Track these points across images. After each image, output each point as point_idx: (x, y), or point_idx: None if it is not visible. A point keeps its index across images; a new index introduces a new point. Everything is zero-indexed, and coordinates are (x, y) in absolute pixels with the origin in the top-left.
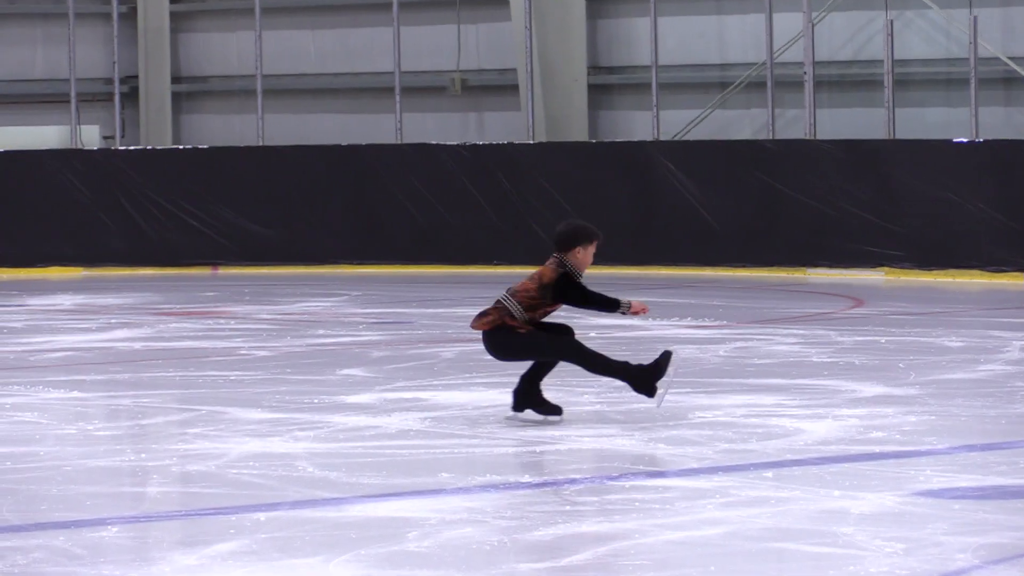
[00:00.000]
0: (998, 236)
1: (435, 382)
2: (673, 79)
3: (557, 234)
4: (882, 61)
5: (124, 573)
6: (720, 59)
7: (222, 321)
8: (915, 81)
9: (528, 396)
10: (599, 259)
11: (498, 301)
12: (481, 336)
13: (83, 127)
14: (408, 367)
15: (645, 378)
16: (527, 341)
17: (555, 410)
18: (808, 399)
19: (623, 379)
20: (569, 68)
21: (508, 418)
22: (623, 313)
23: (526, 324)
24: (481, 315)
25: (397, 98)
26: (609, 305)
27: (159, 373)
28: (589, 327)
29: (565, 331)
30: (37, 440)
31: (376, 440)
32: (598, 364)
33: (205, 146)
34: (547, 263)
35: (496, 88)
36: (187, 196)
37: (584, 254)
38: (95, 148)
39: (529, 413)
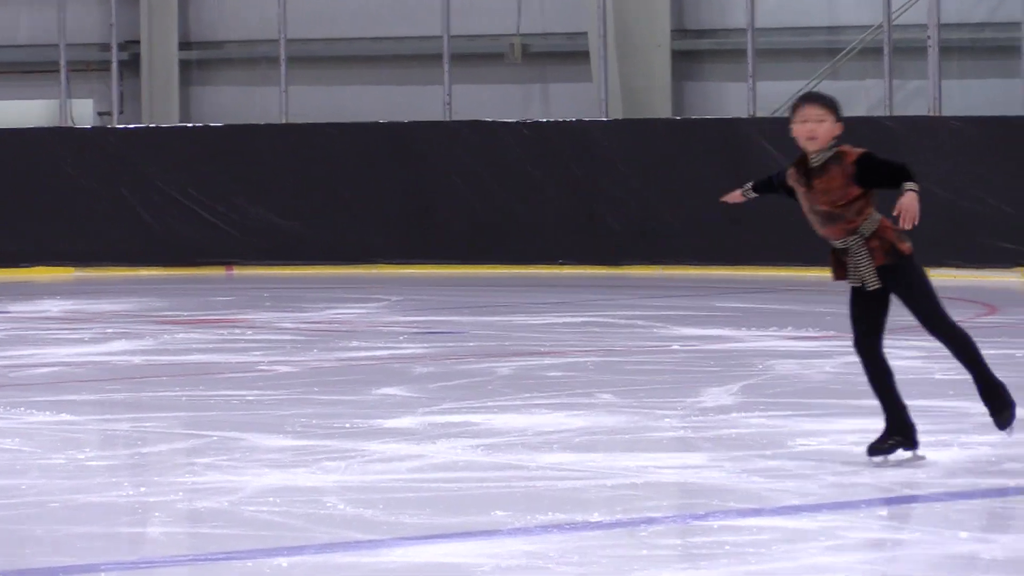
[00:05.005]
0: None
1: (489, 403)
2: (773, 44)
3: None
4: (1020, 23)
5: None
6: (829, 21)
7: (238, 331)
8: None
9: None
10: (683, 258)
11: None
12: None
13: (74, 101)
14: (457, 385)
15: None
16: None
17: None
18: (931, 424)
19: None
20: (650, 31)
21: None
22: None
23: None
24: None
25: (446, 67)
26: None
27: (163, 392)
28: (672, 338)
29: None
30: (19, 471)
31: (419, 472)
32: None
33: (219, 124)
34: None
35: (563, 55)
36: (197, 183)
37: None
38: (89, 126)
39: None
